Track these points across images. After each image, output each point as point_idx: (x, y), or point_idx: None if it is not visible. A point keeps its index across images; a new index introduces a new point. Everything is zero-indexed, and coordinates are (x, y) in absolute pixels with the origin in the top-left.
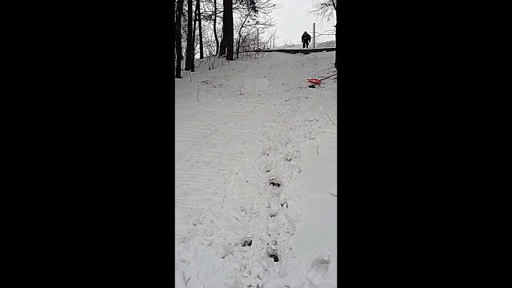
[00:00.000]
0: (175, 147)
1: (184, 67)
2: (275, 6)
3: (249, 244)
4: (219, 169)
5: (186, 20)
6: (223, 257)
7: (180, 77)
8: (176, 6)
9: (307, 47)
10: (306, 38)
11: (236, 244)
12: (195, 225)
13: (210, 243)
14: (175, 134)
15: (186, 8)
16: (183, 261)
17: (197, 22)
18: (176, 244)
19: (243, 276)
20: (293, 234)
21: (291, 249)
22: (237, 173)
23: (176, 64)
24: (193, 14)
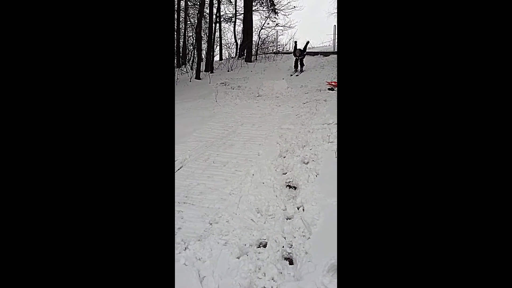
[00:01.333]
0: (194, 147)
1: (204, 68)
2: (295, 8)
3: (264, 246)
4: (236, 170)
5: (206, 22)
6: (238, 258)
7: (199, 79)
8: (198, 9)
9: (300, 70)
10: (298, 57)
11: (251, 245)
12: (211, 224)
13: (225, 242)
14: (194, 134)
15: (207, 11)
16: (199, 259)
17: (217, 25)
18: (192, 242)
19: (258, 277)
20: (309, 238)
21: (306, 253)
22: (253, 175)
23: (196, 66)
24: (214, 16)
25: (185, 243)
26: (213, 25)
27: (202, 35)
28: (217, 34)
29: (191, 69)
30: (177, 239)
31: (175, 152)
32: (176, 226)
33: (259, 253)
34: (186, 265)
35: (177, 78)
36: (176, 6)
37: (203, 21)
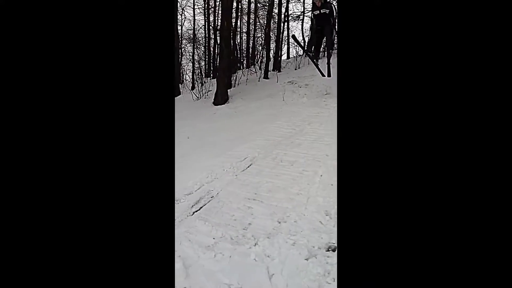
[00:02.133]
0: (263, 145)
1: (272, 68)
2: None
3: (333, 250)
4: (303, 170)
5: (275, 22)
6: (307, 259)
7: (267, 78)
8: (267, 10)
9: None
10: (320, 11)
11: (319, 248)
12: (279, 223)
13: (294, 243)
14: (263, 133)
15: (276, 11)
16: (268, 256)
17: (285, 24)
18: (261, 239)
19: (327, 282)
20: None
21: None
22: (321, 175)
23: (264, 66)
24: (282, 16)
25: (255, 239)
26: (281, 24)
27: (271, 35)
28: (285, 33)
29: (260, 69)
30: (248, 234)
31: (246, 150)
32: (247, 222)
33: (328, 257)
34: (256, 261)
35: (247, 79)
36: (247, 9)
37: (271, 21)
